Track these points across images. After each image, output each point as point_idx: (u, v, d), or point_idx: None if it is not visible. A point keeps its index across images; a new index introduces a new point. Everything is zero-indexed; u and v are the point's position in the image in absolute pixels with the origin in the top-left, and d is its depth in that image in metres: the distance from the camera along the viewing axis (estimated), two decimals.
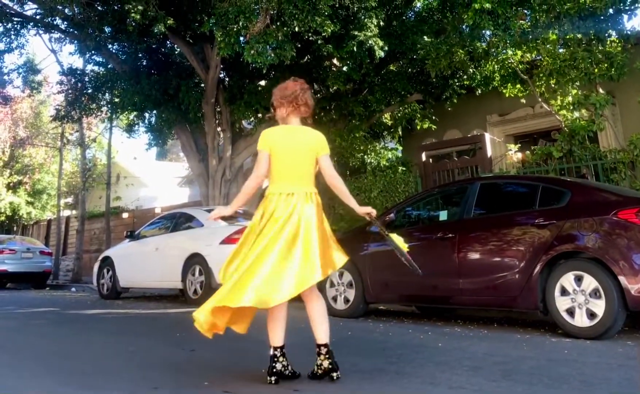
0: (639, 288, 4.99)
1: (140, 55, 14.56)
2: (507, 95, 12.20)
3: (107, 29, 13.34)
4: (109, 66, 14.84)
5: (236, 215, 10.01)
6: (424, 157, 11.79)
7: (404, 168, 12.23)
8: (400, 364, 4.23)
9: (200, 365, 4.37)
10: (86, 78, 15.32)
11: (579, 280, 5.29)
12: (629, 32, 10.10)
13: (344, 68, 12.92)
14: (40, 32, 15.66)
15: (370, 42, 10.50)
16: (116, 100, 15.05)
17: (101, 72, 15.09)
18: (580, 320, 5.22)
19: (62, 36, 15.01)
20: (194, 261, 9.26)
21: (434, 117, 13.67)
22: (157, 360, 4.66)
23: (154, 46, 14.43)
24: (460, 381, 3.69)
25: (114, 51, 14.69)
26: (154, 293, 12.24)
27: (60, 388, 3.72)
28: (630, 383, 3.55)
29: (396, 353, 4.76)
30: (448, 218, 6.80)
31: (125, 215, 21.41)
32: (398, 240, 4.05)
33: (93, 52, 14.58)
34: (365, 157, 13.32)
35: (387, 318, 7.27)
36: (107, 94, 15.44)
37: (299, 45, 11.03)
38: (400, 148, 15.04)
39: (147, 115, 15.63)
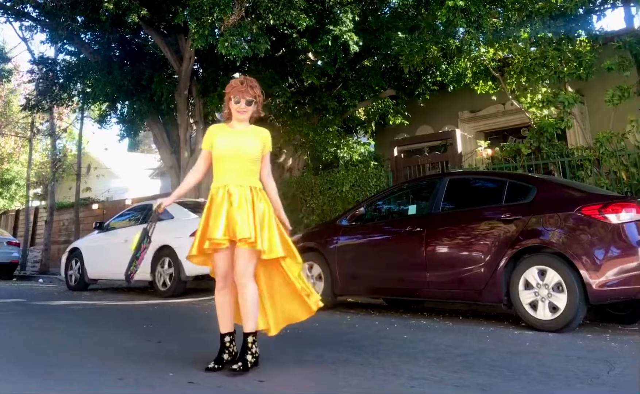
0: (600, 283, 5.10)
1: (113, 45, 14.37)
2: (478, 92, 12.35)
3: (79, 18, 13.16)
4: (81, 56, 14.61)
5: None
6: (395, 152, 11.85)
7: (376, 163, 12.30)
8: (365, 356, 4.26)
9: (166, 356, 4.34)
10: (58, 68, 15.06)
11: (542, 274, 5.39)
12: (597, 32, 10.27)
13: (319, 63, 12.94)
14: (11, 19, 15.33)
15: (345, 36, 10.52)
16: (88, 90, 14.78)
17: (73, 62, 14.84)
18: (543, 313, 5.32)
19: (33, 24, 14.69)
20: (164, 253, 9.21)
21: (406, 113, 13.75)
22: (123, 351, 4.63)
23: (127, 36, 14.25)
24: (422, 372, 3.73)
25: (86, 41, 14.48)
26: (122, 285, 12.12)
27: (26, 378, 3.68)
28: (587, 375, 3.63)
29: (361, 344, 4.80)
30: (417, 213, 6.87)
31: (95, 207, 21.14)
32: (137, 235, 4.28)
33: (65, 41, 14.33)
34: (338, 151, 13.35)
35: (354, 310, 7.32)
36: (78, 84, 15.17)
37: (274, 39, 11.01)
38: (373, 143, 15.10)
39: (119, 106, 15.43)
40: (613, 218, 5.24)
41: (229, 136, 3.86)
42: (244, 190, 3.75)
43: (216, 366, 3.73)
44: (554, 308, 5.26)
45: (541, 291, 5.35)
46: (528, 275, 5.46)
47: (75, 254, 11.33)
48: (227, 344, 3.84)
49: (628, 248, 5.14)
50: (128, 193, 24.30)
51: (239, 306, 3.81)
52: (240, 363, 3.64)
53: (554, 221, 5.51)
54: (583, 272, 5.16)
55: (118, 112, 15.65)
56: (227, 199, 3.70)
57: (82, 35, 14.15)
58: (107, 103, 15.28)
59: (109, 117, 16.17)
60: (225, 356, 3.80)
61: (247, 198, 3.73)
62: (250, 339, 3.72)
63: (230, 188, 3.73)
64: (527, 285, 5.45)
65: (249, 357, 3.68)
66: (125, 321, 6.82)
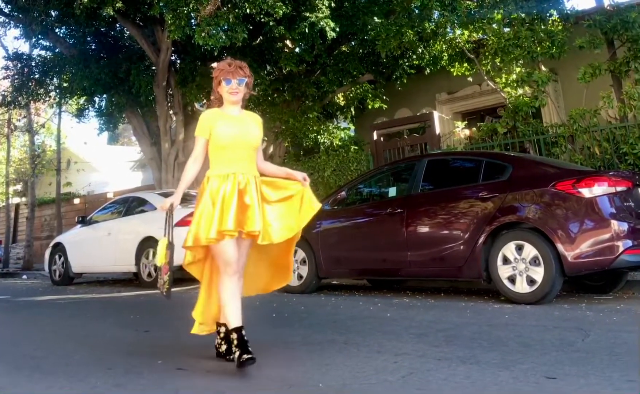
0: (574, 255, 5.28)
1: (88, 38, 14.25)
2: (454, 74, 12.49)
3: (53, 13, 13.00)
4: (57, 50, 14.48)
5: (190, 197, 10.01)
6: (375, 135, 11.97)
7: (356, 147, 12.41)
8: (350, 335, 4.38)
9: (154, 345, 4.43)
10: (33, 63, 14.90)
11: (519, 249, 5.56)
12: (569, 12, 10.44)
13: (297, 50, 12.96)
14: None
15: (321, 23, 10.57)
16: (65, 84, 14.71)
17: (48, 57, 14.73)
18: (521, 287, 5.50)
19: (7, 20, 14.54)
20: (148, 244, 9.25)
21: (384, 97, 13.86)
22: (111, 342, 4.69)
23: (102, 29, 14.12)
24: (405, 348, 3.87)
25: (61, 35, 14.34)
26: (107, 277, 12.14)
27: (13, 372, 3.72)
28: (562, 343, 3.78)
29: (346, 324, 4.93)
30: (397, 194, 7.01)
31: (76, 201, 21.02)
32: (162, 246, 3.72)
33: (39, 36, 14.19)
34: (319, 137, 13.42)
35: (339, 292, 7.46)
36: (55, 79, 15.06)
37: (251, 27, 11.01)
38: (353, 127, 15.21)
39: (97, 99, 15.35)
40: (586, 192, 5.42)
41: (230, 122, 3.66)
42: (250, 179, 3.61)
43: (251, 356, 3.30)
44: (531, 281, 5.43)
45: (519, 265, 5.52)
46: (506, 250, 5.63)
47: (59, 249, 11.32)
48: (245, 337, 3.44)
49: (601, 221, 5.31)
50: (109, 186, 24.14)
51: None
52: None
53: (530, 197, 5.68)
54: (558, 245, 5.33)
55: (96, 105, 15.58)
56: (236, 188, 3.51)
57: (57, 30, 14.01)
58: (84, 97, 15.19)
59: (87, 110, 16.08)
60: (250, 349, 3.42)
61: (255, 188, 3.59)
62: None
63: (239, 176, 3.56)
64: (505, 260, 5.62)
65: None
66: (112, 312, 6.87)
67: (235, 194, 3.49)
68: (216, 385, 3.21)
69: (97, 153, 29.55)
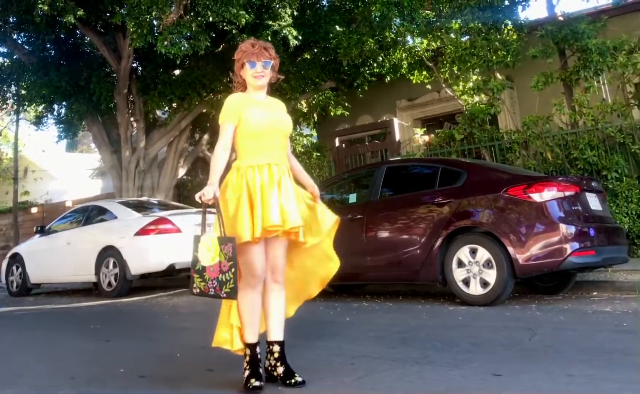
0: (525, 257, 5.50)
1: (48, 45, 14.01)
2: (414, 81, 12.79)
3: (11, 19, 12.81)
4: (15, 57, 14.23)
5: (151, 205, 10.01)
6: (337, 142, 12.15)
7: (319, 154, 12.56)
8: (310, 340, 4.49)
9: (115, 354, 4.45)
10: None
11: (473, 252, 5.76)
12: (523, 22, 10.84)
13: None
14: None
15: (284, 31, 10.72)
16: (23, 92, 14.46)
17: (6, 63, 14.43)
18: (475, 289, 5.70)
19: None
20: (108, 254, 9.18)
21: (346, 104, 14.09)
22: (72, 352, 4.70)
23: (62, 36, 13.94)
24: (362, 350, 4.01)
25: (19, 42, 14.10)
26: (66, 287, 11.99)
27: None
28: (511, 342, 3.97)
29: (306, 329, 5.01)
30: (357, 201, 7.17)
31: (34, 210, 20.59)
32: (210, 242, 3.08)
33: None
34: None
35: None
36: (12, 86, 14.82)
37: (214, 35, 11.06)
38: (315, 134, 15.37)
39: (56, 107, 15.11)
40: (536, 197, 5.65)
41: (261, 108, 3.28)
42: (285, 170, 3.25)
43: (260, 383, 3.09)
44: (484, 284, 5.63)
45: (473, 268, 5.72)
46: (460, 253, 5.83)
47: (16, 260, 11.12)
48: (259, 355, 3.22)
49: (550, 224, 5.54)
50: (68, 194, 23.68)
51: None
52: (298, 377, 3.13)
53: (484, 202, 5.89)
54: (510, 249, 5.54)
55: (55, 112, 15.33)
56: (275, 180, 3.14)
57: (15, 37, 13.78)
58: (43, 105, 14.96)
59: (45, 118, 15.83)
60: (261, 370, 3.19)
61: (289, 180, 3.24)
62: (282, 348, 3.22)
63: (273, 167, 3.18)
64: (460, 263, 5.81)
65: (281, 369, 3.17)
66: (72, 323, 6.82)
67: (275, 186, 3.12)
68: (178, 391, 3.28)
69: (56, 161, 28.95)
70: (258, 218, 3.02)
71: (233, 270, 2.97)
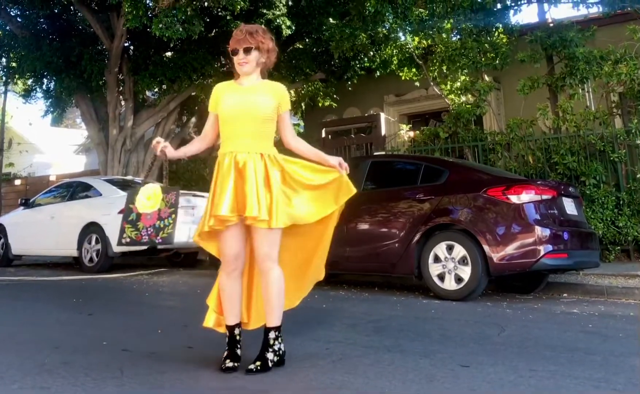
0: (500, 256, 5.68)
1: (42, 20, 13.97)
2: (403, 78, 12.95)
3: None
4: (7, 28, 14.12)
5: (133, 184, 10.06)
6: (323, 133, 12.26)
7: None
8: (285, 325, 4.55)
9: (98, 327, 4.52)
10: None
11: (450, 249, 5.93)
12: (513, 26, 11.00)
13: None
14: None
15: (278, 20, 10.76)
16: (14, 64, 14.37)
17: None
18: (449, 284, 5.88)
19: None
20: (91, 230, 9.26)
21: (335, 95, 14.20)
22: (56, 323, 4.75)
23: (56, 11, 13.88)
24: (337, 336, 4.14)
25: (12, 14, 14.00)
26: (46, 260, 11.99)
27: None
28: (480, 336, 4.13)
29: (283, 314, 5.14)
30: None
31: (17, 182, 20.51)
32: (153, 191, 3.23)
33: None
34: None
35: None
36: (3, 59, 14.72)
37: (208, 19, 11.09)
38: (303, 124, 15.46)
39: (45, 81, 15.03)
40: (514, 198, 5.83)
41: (236, 93, 3.23)
42: (254, 157, 3.12)
43: (234, 364, 3.15)
44: (459, 279, 5.81)
45: (448, 264, 5.89)
46: (437, 249, 6.00)
47: None
48: (238, 337, 3.27)
49: (526, 226, 5.73)
50: (52, 168, 23.61)
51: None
52: (258, 362, 3.14)
53: (463, 201, 6.05)
54: (485, 247, 5.72)
55: (44, 87, 15.24)
56: (234, 168, 3.09)
57: (9, 10, 13.68)
58: (33, 79, 14.88)
59: (34, 92, 15.75)
60: (239, 352, 3.23)
61: (258, 168, 3.11)
62: (272, 334, 3.24)
63: (238, 155, 3.11)
64: (436, 259, 5.98)
65: (269, 355, 3.19)
66: (55, 295, 6.86)
67: (231, 174, 3.07)
68: (159, 366, 3.35)
69: (41, 135, 28.78)
70: (211, 209, 3.08)
71: (174, 215, 3.15)
